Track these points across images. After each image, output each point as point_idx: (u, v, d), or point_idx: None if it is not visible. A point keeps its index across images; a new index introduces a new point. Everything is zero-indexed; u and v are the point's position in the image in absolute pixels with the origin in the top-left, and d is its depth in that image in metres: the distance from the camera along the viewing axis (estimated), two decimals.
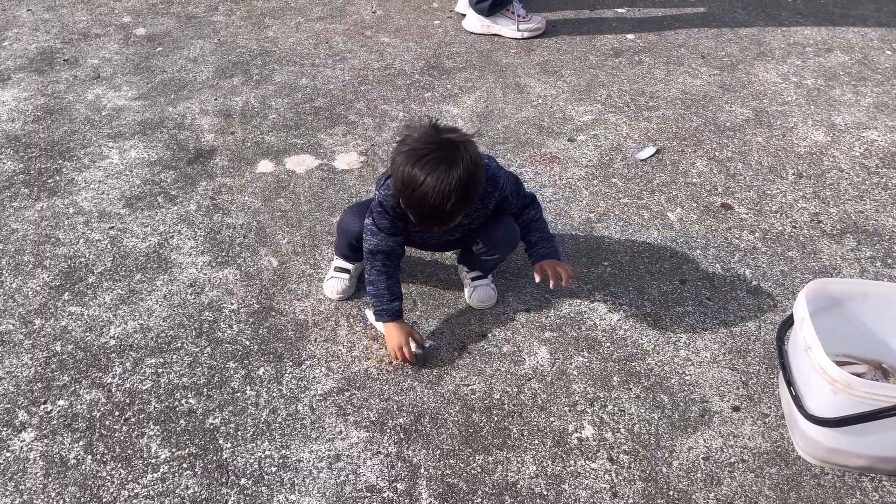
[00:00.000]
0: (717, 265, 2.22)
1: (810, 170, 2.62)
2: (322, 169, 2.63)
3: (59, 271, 2.18)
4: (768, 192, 2.52)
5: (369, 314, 1.97)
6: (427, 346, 1.93)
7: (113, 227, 2.36)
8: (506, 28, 3.46)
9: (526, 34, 3.46)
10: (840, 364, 1.60)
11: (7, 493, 1.60)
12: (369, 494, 1.61)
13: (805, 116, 2.91)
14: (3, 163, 2.65)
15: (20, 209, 2.43)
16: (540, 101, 3.03)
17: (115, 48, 3.37)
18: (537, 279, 1.92)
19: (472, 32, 3.52)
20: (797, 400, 1.61)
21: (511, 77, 3.18)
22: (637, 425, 1.77)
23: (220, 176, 2.59)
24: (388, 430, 1.75)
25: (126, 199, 2.48)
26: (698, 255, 2.25)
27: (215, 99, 3.03)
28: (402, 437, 1.73)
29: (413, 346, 1.86)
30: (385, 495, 1.61)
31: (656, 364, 1.92)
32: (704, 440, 1.74)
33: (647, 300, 2.10)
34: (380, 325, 1.92)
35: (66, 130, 2.83)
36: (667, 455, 1.71)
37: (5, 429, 1.73)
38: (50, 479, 1.63)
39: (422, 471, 1.66)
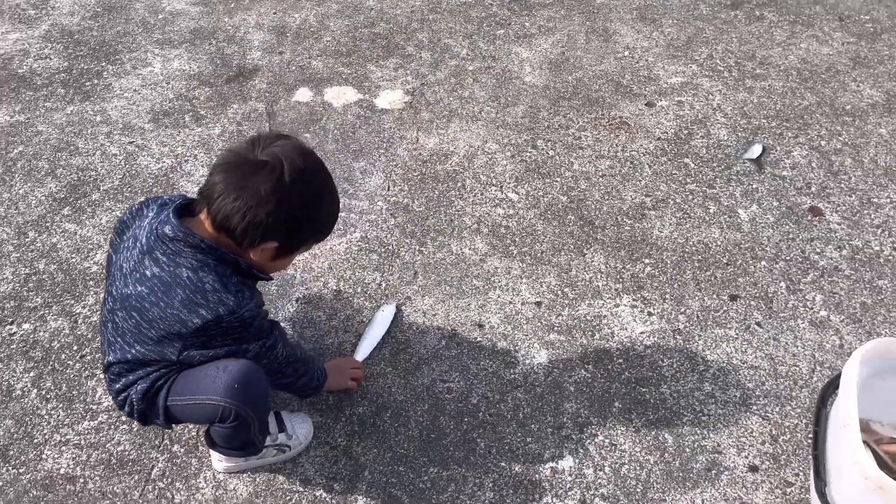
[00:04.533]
0: (783, 283, 1.84)
1: None
2: (360, 105, 2.40)
3: (68, 182, 2.11)
4: (875, 199, 2.06)
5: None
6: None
7: (133, 142, 2.25)
8: None
9: None
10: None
11: None
12: (301, 489, 1.45)
13: None
14: (50, 59, 2.59)
15: (51, 110, 2.37)
16: (626, 53, 2.62)
17: None
18: None
19: None
20: (820, 481, 1.28)
21: (601, 21, 2.78)
22: (626, 466, 1.50)
23: (253, 100, 2.41)
24: (343, 420, 1.57)
25: (154, 113, 2.36)
26: (762, 268, 1.88)
27: (274, 13, 2.83)
28: (357, 429, 1.55)
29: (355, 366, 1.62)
30: (317, 493, 1.45)
31: (671, 395, 1.62)
32: (703, 501, 1.45)
33: (684, 314, 1.78)
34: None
35: (118, 31, 2.74)
36: None
37: None
38: None
39: (366, 473, 1.48)
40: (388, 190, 2.10)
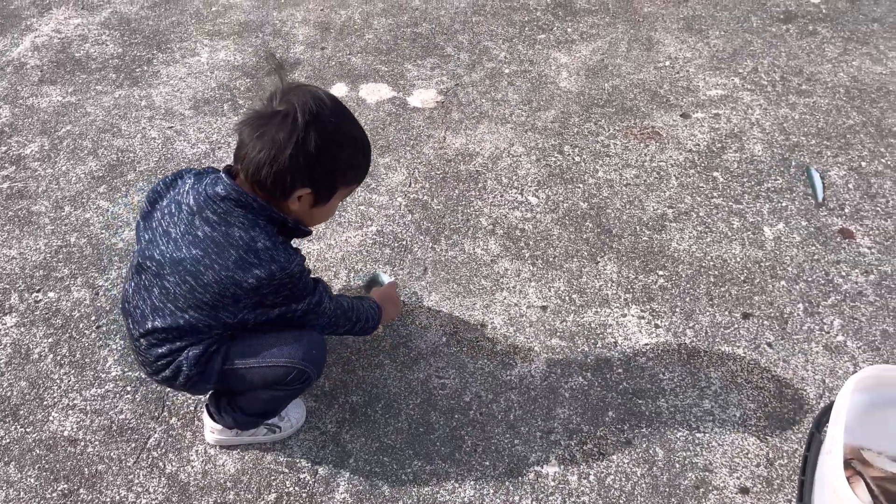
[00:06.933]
0: (801, 305, 1.78)
1: None
2: (393, 102, 2.43)
3: (107, 162, 2.21)
4: None
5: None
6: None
7: (172, 126, 2.35)
8: None
9: None
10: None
11: None
12: (286, 471, 1.49)
13: None
14: (106, 45, 2.72)
15: (100, 94, 2.49)
16: (668, 62, 2.58)
17: None
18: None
19: None
20: None
21: (645, 29, 2.74)
22: (612, 477, 1.48)
23: None
24: (336, 407, 1.60)
25: (195, 100, 2.45)
26: (781, 288, 1.82)
27: (321, 9, 2.90)
28: (348, 417, 1.58)
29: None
30: (301, 476, 1.48)
31: (667, 409, 1.58)
32: None
33: (693, 329, 1.74)
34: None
35: (173, 21, 2.85)
36: None
37: None
38: (10, 368, 1.67)
39: (350, 461, 1.50)
40: (410, 186, 2.12)
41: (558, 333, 1.74)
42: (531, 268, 1.89)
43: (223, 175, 1.22)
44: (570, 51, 2.65)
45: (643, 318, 1.77)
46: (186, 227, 1.23)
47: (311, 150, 1.18)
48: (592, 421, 1.57)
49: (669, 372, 1.65)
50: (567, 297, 1.82)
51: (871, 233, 1.96)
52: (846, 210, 2.02)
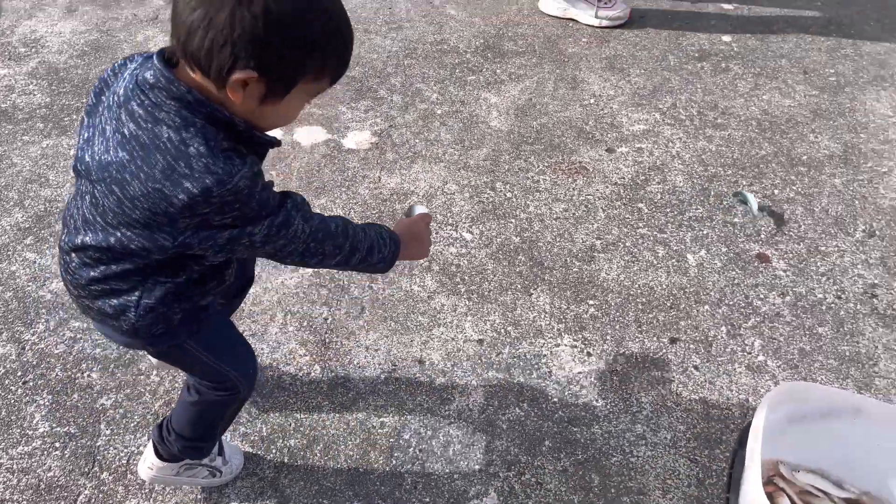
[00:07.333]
0: (724, 328, 1.86)
1: (887, 229, 2.15)
2: (328, 145, 2.47)
3: (34, 213, 2.17)
4: (822, 248, 2.09)
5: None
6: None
7: None
8: (583, 13, 3.11)
9: (605, 22, 3.10)
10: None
11: None
12: None
13: None
14: (33, 95, 2.69)
15: (28, 143, 2.45)
16: (593, 100, 2.69)
17: None
18: None
19: (546, 14, 3.20)
20: None
21: (571, 69, 2.86)
22: None
23: None
24: (274, 451, 1.59)
25: None
26: (705, 312, 1.90)
27: None
28: (286, 461, 1.57)
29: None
30: None
31: (601, 435, 1.63)
32: None
33: (623, 356, 1.80)
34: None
35: (102, 69, 2.83)
36: None
37: None
38: None
39: None
40: None
41: (495, 366, 1.77)
42: (467, 302, 1.93)
43: (155, 59, 0.95)
44: (500, 91, 2.74)
45: (576, 346, 1.82)
46: (116, 123, 0.97)
47: (257, 12, 0.88)
48: (530, 451, 1.59)
49: (602, 399, 1.70)
50: (503, 330, 1.86)
51: (785, 256, 2.06)
52: (762, 235, 2.13)
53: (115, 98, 0.99)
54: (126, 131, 0.96)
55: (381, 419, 1.65)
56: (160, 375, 1.72)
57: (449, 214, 2.20)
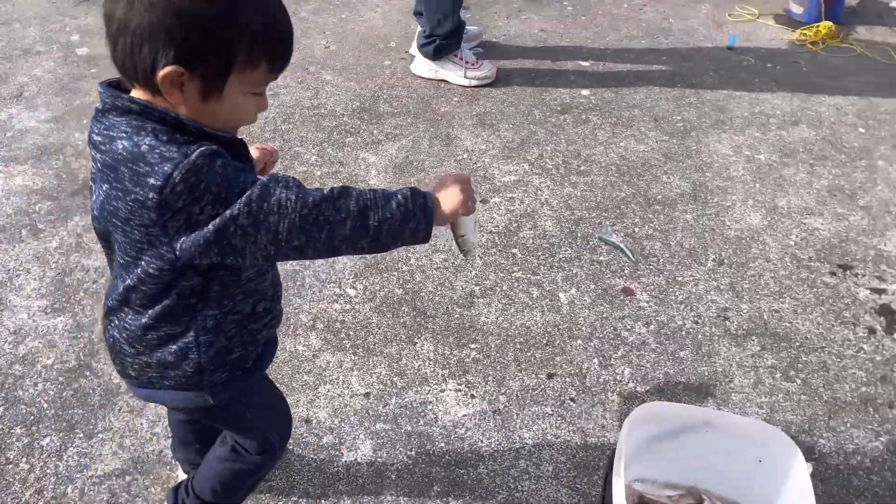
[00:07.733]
0: (596, 360, 1.98)
1: (734, 257, 2.37)
2: None
3: None
4: (679, 278, 2.27)
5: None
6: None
7: None
8: (452, 74, 3.29)
9: (474, 82, 3.29)
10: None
11: None
12: None
13: (747, 195, 2.66)
14: None
15: None
16: (465, 155, 2.83)
17: (50, 67, 3.29)
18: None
19: (419, 76, 3.36)
20: None
21: (444, 127, 3.00)
22: None
23: None
24: None
25: None
26: (578, 347, 2.02)
27: None
28: None
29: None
30: None
31: (487, 474, 1.68)
32: None
33: (505, 394, 1.87)
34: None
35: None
36: None
37: None
38: None
39: None
40: None
41: (382, 418, 1.80)
42: (353, 357, 1.96)
43: (100, 88, 0.98)
44: (378, 150, 2.84)
45: (460, 390, 1.88)
46: (93, 163, 0.99)
47: (156, 1, 0.88)
48: (419, 497, 1.63)
49: (487, 438, 1.76)
50: (389, 381, 1.90)
51: (647, 289, 2.23)
52: (626, 271, 2.29)
53: (90, 144, 1.00)
54: (99, 164, 0.97)
55: (269, 483, 1.64)
56: (30, 463, 1.65)
57: (332, 272, 2.24)
